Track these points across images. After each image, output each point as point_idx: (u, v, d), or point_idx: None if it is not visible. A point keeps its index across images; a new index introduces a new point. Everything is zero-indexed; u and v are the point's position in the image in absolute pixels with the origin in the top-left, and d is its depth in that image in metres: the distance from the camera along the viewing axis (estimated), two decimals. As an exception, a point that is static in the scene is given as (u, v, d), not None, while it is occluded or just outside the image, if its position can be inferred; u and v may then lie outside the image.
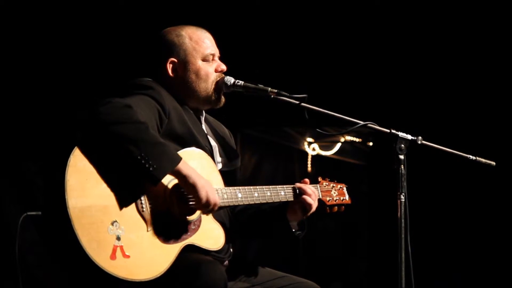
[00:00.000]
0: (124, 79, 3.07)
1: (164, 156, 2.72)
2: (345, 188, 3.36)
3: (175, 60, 3.11)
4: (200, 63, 3.12)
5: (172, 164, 2.74)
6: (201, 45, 3.13)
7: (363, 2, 5.63)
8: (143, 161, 2.67)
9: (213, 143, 3.17)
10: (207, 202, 2.81)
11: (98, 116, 2.69)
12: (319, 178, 3.31)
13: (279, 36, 5.73)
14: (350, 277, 7.99)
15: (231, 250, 3.14)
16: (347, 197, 3.35)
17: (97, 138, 2.70)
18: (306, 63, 5.83)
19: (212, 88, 3.13)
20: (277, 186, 3.14)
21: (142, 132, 2.71)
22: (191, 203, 2.86)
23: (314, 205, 3.16)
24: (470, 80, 5.71)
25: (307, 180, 3.23)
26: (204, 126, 3.20)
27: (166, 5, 5.37)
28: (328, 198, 3.28)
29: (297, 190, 3.16)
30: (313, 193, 3.15)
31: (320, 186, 3.27)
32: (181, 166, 2.76)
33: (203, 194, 2.79)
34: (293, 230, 3.19)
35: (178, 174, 2.78)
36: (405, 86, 5.85)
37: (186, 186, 2.80)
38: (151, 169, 2.68)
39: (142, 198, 2.78)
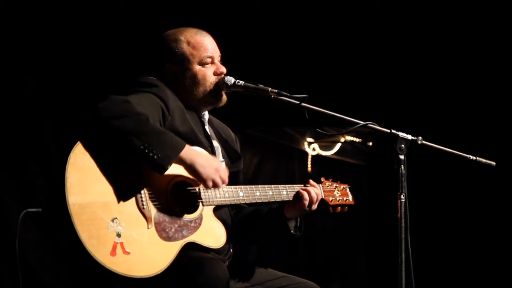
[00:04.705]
0: (128, 78, 3.08)
1: (166, 144, 2.74)
2: (348, 189, 3.36)
3: (172, 65, 3.12)
4: (197, 67, 3.12)
5: (175, 151, 2.76)
6: (198, 49, 3.13)
7: (363, 2, 5.64)
8: (146, 151, 2.70)
9: (215, 144, 3.18)
10: (214, 184, 2.86)
11: (98, 112, 2.72)
12: (322, 179, 3.31)
13: (279, 36, 5.73)
14: (350, 277, 7.99)
15: (231, 250, 3.14)
16: (350, 197, 3.34)
17: (99, 134, 2.72)
18: (306, 63, 5.83)
19: (211, 90, 3.14)
20: (279, 186, 3.14)
21: (142, 123, 2.73)
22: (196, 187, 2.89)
23: (315, 206, 3.15)
24: (470, 80, 5.72)
25: (311, 181, 3.22)
26: (207, 127, 3.21)
27: (167, 5, 5.37)
28: (331, 198, 3.28)
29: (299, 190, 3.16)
30: (314, 193, 3.15)
31: (323, 186, 3.27)
32: (185, 153, 2.78)
33: (208, 179, 2.84)
34: (292, 231, 3.19)
35: (182, 161, 2.80)
36: (405, 86, 5.85)
37: (191, 173, 2.83)
38: (155, 157, 2.70)
39: (143, 195, 2.80)
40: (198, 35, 3.17)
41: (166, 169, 2.75)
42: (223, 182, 2.89)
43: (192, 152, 2.83)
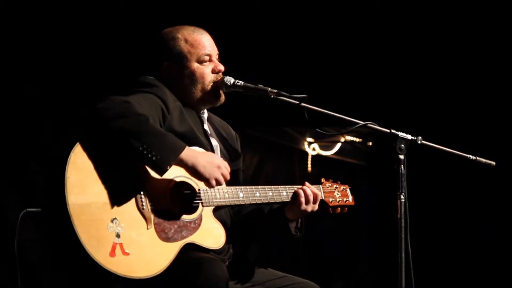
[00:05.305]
0: (127, 78, 3.08)
1: (166, 146, 2.73)
2: (348, 190, 3.36)
3: (170, 63, 3.12)
4: (195, 65, 3.12)
5: (175, 154, 2.75)
6: (196, 47, 3.13)
7: (363, 2, 5.63)
8: (145, 152, 2.69)
9: (214, 142, 3.18)
10: (217, 182, 2.85)
11: (97, 112, 2.72)
12: (322, 179, 3.31)
13: (279, 36, 5.73)
14: (351, 278, 7.99)
15: (231, 250, 3.14)
16: (350, 198, 3.34)
17: (98, 134, 2.72)
18: (306, 64, 5.83)
19: (209, 89, 3.14)
20: (279, 186, 3.14)
21: (142, 124, 2.72)
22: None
23: (315, 207, 3.15)
24: (470, 80, 5.72)
25: (307, 183, 3.22)
26: (206, 126, 3.20)
27: (165, 5, 5.37)
28: (331, 199, 3.28)
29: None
30: (313, 194, 3.14)
31: (323, 187, 3.27)
32: (185, 155, 2.77)
33: (211, 178, 2.84)
34: (292, 232, 3.19)
35: (182, 163, 2.79)
36: (405, 86, 5.86)
37: (193, 174, 2.82)
38: (154, 159, 2.69)
39: (143, 196, 2.80)
40: (196, 32, 3.16)
41: (166, 170, 2.74)
42: (225, 179, 2.88)
43: (193, 153, 2.82)
